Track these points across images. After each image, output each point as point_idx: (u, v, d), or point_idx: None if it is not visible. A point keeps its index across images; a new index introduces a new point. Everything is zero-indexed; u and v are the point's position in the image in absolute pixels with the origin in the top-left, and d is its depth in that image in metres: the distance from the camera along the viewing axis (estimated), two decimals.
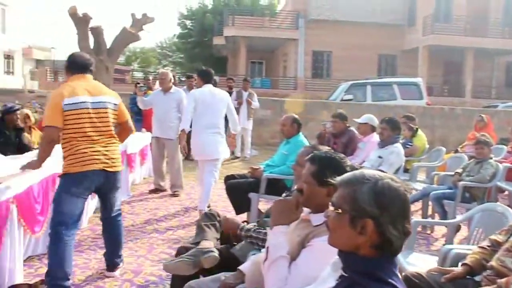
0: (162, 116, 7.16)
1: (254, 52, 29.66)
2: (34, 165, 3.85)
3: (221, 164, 6.27)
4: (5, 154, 4.83)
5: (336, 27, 26.65)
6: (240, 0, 36.30)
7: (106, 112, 3.87)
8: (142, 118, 10.68)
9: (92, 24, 16.15)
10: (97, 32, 16.21)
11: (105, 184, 3.91)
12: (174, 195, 7.32)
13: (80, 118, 3.72)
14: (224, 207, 6.48)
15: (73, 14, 15.81)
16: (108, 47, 16.50)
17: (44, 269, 4.18)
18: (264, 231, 2.85)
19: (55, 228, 3.67)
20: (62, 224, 3.66)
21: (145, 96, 7.69)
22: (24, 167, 3.88)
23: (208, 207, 5.94)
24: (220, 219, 3.29)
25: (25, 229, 4.05)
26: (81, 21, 15.89)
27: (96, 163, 3.77)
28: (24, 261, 4.17)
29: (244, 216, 5.55)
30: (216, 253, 2.84)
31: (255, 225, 3.01)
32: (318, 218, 2.08)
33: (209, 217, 3.23)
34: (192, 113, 6.03)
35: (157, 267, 4.38)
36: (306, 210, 2.22)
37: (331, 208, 1.56)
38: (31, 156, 5.08)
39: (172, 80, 7.38)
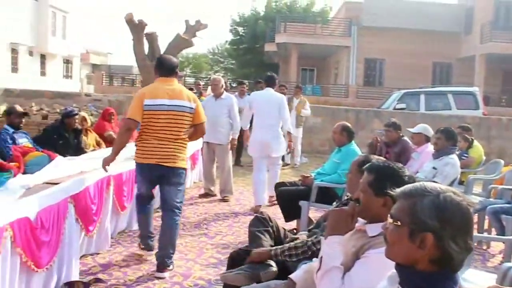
0: (213, 121, 7.22)
1: (306, 59, 29.59)
2: (108, 159, 4.32)
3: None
4: (64, 156, 5.01)
5: (389, 34, 26.24)
6: (292, 7, 36.35)
7: (180, 115, 4.29)
8: None
9: (147, 30, 16.56)
10: (152, 38, 16.56)
11: (162, 177, 4.35)
12: (223, 200, 7.37)
13: (155, 118, 4.21)
14: (274, 214, 6.44)
15: (129, 20, 16.22)
16: (162, 52, 16.86)
17: (97, 268, 4.31)
18: (308, 241, 2.80)
19: (135, 200, 4.76)
20: (137, 198, 4.65)
21: None
22: (103, 164, 4.31)
23: (256, 212, 6.05)
24: (272, 224, 3.28)
25: (81, 228, 4.18)
26: (136, 27, 16.27)
27: (151, 158, 4.26)
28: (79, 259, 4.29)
29: (293, 223, 5.54)
30: (275, 268, 2.82)
31: (289, 245, 2.93)
32: (374, 229, 2.05)
33: (262, 221, 3.22)
34: (248, 113, 7.00)
35: (206, 271, 4.42)
36: (361, 220, 2.18)
37: (389, 220, 1.52)
38: (86, 157, 5.26)
39: (224, 86, 7.48)
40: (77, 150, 6.05)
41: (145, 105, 4.20)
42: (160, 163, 4.26)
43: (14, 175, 3.61)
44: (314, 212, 5.96)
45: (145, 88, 4.45)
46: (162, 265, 4.28)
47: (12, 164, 3.79)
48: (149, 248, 4.64)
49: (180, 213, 4.49)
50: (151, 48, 16.70)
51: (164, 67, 4.40)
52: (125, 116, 4.41)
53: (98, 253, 4.66)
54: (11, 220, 3.06)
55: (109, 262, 4.50)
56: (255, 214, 3.48)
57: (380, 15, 26.23)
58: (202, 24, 17.72)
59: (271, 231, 3.19)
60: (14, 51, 30.51)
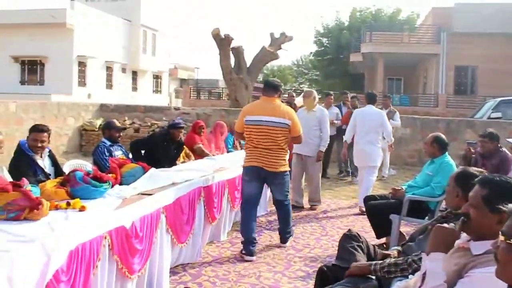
0: (305, 133, 7.26)
1: (392, 68, 28.90)
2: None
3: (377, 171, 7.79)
4: (160, 164, 5.25)
5: (482, 39, 24.96)
6: (377, 16, 35.72)
7: (274, 129, 5.11)
8: None
9: (233, 44, 16.94)
10: (238, 52, 16.96)
11: (266, 178, 5.28)
12: (311, 208, 7.48)
13: (253, 131, 5.16)
14: (362, 228, 6.33)
15: (216, 35, 16.72)
16: (247, 66, 17.18)
17: (187, 277, 4.41)
18: (409, 258, 2.68)
19: (241, 204, 5.49)
20: (243, 201, 5.39)
21: None
22: None
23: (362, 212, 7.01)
24: (362, 240, 3.20)
25: (172, 238, 4.29)
26: (223, 42, 16.74)
27: (255, 162, 5.18)
28: (170, 269, 4.39)
29: (383, 239, 5.38)
30: (375, 282, 2.73)
31: (389, 261, 2.81)
32: (479, 247, 1.91)
33: (352, 238, 3.14)
34: (352, 127, 7.58)
35: (294, 284, 4.38)
36: (463, 237, 2.05)
37: (501, 238, 1.41)
38: (177, 169, 5.41)
39: (317, 99, 7.54)
40: (174, 160, 6.30)
41: (246, 120, 5.17)
42: (263, 167, 5.17)
43: (112, 186, 3.78)
44: (404, 226, 5.76)
45: (248, 105, 5.59)
46: (284, 239, 5.52)
47: (110, 175, 3.97)
48: (251, 254, 5.10)
49: (288, 201, 5.48)
50: (237, 61, 17.12)
51: (267, 88, 5.32)
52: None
53: (188, 263, 4.76)
54: (109, 228, 3.21)
55: (198, 272, 4.59)
56: (345, 232, 3.38)
57: (471, 20, 25.04)
58: (287, 36, 17.90)
59: (362, 246, 3.10)
60: (109, 69, 32.38)
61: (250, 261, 4.98)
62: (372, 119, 7.43)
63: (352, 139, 7.64)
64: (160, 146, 6.28)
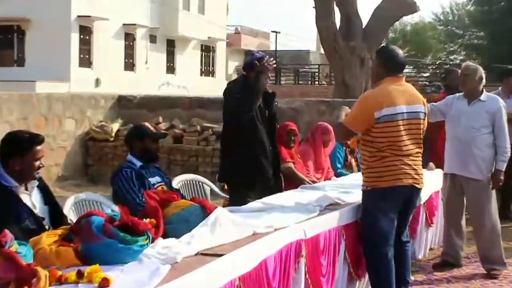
0: (464, 139, 7.24)
1: None
2: None
3: None
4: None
5: None
6: None
7: (418, 123, 5.71)
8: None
9: None
10: (347, 4, 16.87)
11: (409, 201, 5.78)
12: (490, 275, 7.23)
13: (394, 131, 5.53)
14: None
15: None
16: (363, 26, 17.04)
17: None
18: None
19: (368, 249, 5.73)
20: (375, 243, 5.66)
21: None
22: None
23: None
24: None
25: None
26: None
27: (407, 178, 5.56)
28: None
29: None
30: None
31: None
32: None
33: None
34: None
35: None
36: None
37: None
38: (257, 208, 5.33)
39: (483, 81, 7.36)
40: (274, 118, 6.91)
41: (384, 115, 5.48)
42: (414, 184, 5.65)
43: (152, 241, 3.71)
44: None
45: (375, 92, 5.83)
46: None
47: (146, 221, 3.90)
48: None
49: (409, 241, 6.22)
50: (345, 20, 17.03)
51: (395, 64, 5.76)
52: (343, 122, 5.85)
53: None
54: None
55: None
56: None
57: None
58: None
59: None
60: (129, 37, 33.14)
61: None
62: None
63: None
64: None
